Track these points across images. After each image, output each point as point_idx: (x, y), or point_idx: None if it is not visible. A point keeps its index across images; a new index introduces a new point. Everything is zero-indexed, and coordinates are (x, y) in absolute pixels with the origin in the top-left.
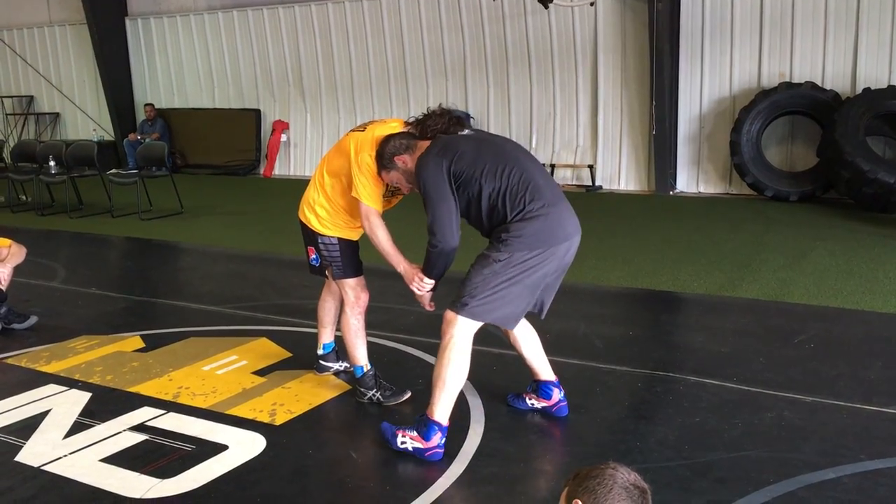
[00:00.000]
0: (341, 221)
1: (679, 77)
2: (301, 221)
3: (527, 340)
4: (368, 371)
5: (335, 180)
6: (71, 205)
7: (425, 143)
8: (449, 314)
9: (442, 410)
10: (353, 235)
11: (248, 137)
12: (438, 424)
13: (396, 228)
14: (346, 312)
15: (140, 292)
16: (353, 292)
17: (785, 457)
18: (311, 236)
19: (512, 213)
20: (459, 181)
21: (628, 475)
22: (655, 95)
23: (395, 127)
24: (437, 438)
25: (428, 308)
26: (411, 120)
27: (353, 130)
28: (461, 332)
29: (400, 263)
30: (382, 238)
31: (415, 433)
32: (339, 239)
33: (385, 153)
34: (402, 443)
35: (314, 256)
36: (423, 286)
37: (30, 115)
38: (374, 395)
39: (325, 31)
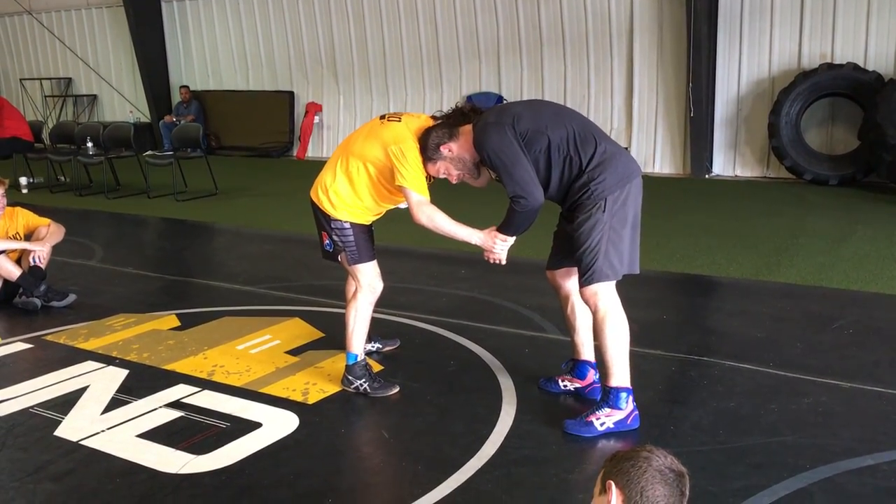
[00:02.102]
0: (357, 208)
1: (717, 58)
2: (313, 202)
3: (584, 314)
4: (361, 360)
5: (363, 168)
6: (108, 185)
7: (466, 128)
8: (588, 290)
9: (621, 375)
10: (366, 220)
11: (281, 119)
12: (623, 388)
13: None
14: (356, 298)
15: (175, 272)
16: (367, 279)
17: (822, 443)
18: (323, 220)
19: (586, 157)
20: (525, 140)
21: (664, 459)
22: (692, 77)
23: (427, 120)
24: (630, 401)
25: (502, 263)
26: (439, 114)
27: (385, 120)
28: (607, 298)
29: (473, 235)
30: (444, 222)
31: (607, 409)
32: (352, 224)
33: (429, 144)
34: (602, 424)
35: (328, 242)
36: (505, 245)
37: (68, 97)
38: (361, 384)
39: (358, 13)
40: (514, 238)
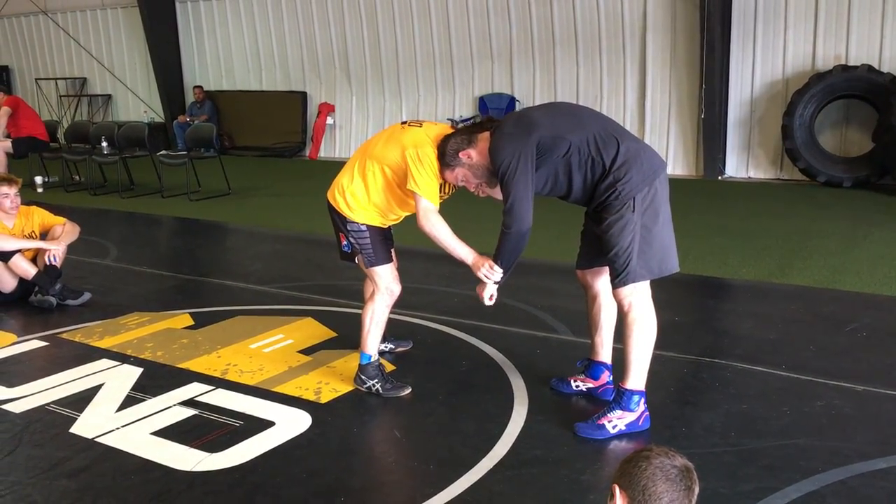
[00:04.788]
0: (373, 211)
1: (730, 59)
2: (329, 204)
3: (610, 315)
4: (374, 361)
5: (380, 172)
6: (122, 185)
7: (485, 134)
8: (621, 291)
9: (638, 379)
10: (383, 223)
11: (294, 120)
12: (636, 392)
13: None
14: (374, 300)
15: (189, 271)
16: (385, 283)
17: (835, 445)
18: (340, 221)
19: (609, 158)
20: (546, 147)
21: (664, 456)
22: (705, 78)
23: (446, 128)
24: (642, 404)
25: (487, 302)
26: (459, 125)
27: (406, 125)
28: (640, 299)
29: (469, 255)
30: (446, 234)
31: (619, 411)
32: (368, 226)
33: (448, 150)
34: (614, 427)
35: (345, 243)
36: (491, 273)
37: (83, 96)
38: (374, 384)
39: (371, 14)
40: (502, 271)
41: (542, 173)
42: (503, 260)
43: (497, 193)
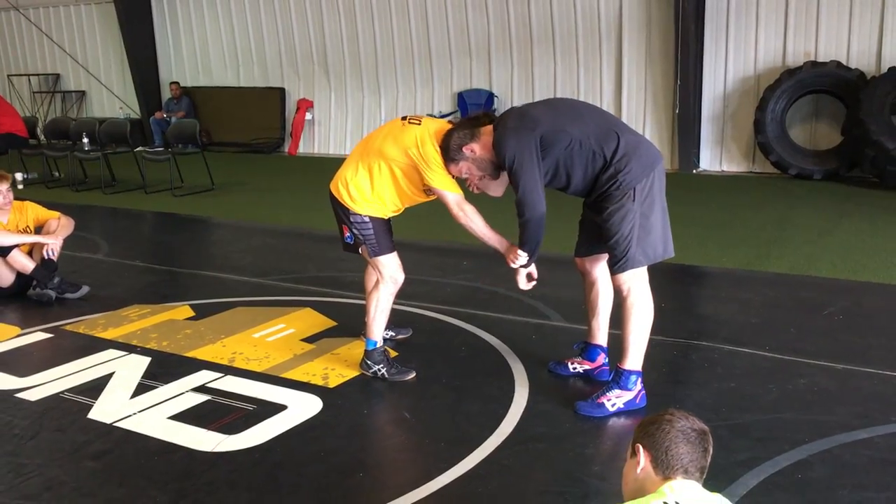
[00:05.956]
0: (376, 203)
1: (704, 55)
2: (332, 195)
3: (607, 300)
4: (379, 347)
5: (386, 167)
6: (104, 181)
7: (487, 128)
8: (620, 277)
9: (636, 359)
10: (385, 214)
11: (272, 116)
12: (634, 372)
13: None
14: (378, 288)
15: (182, 265)
16: (389, 271)
17: (819, 419)
18: (342, 213)
19: (610, 151)
20: (548, 142)
21: (685, 420)
22: (680, 74)
23: (446, 124)
24: (639, 383)
25: (524, 286)
26: (455, 120)
27: (406, 122)
28: (637, 284)
29: (501, 243)
30: (480, 224)
31: (617, 390)
32: (371, 217)
33: (451, 145)
34: (613, 405)
35: (348, 234)
36: (517, 258)
37: (56, 93)
38: (379, 369)
39: (349, 9)
40: (527, 256)
41: (544, 166)
42: (528, 246)
43: (491, 189)
